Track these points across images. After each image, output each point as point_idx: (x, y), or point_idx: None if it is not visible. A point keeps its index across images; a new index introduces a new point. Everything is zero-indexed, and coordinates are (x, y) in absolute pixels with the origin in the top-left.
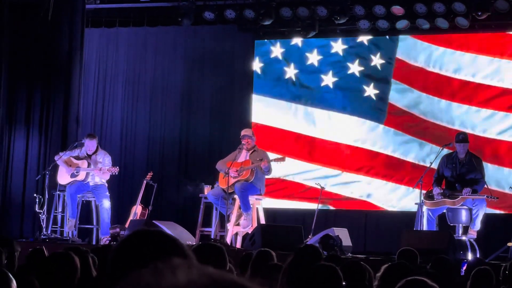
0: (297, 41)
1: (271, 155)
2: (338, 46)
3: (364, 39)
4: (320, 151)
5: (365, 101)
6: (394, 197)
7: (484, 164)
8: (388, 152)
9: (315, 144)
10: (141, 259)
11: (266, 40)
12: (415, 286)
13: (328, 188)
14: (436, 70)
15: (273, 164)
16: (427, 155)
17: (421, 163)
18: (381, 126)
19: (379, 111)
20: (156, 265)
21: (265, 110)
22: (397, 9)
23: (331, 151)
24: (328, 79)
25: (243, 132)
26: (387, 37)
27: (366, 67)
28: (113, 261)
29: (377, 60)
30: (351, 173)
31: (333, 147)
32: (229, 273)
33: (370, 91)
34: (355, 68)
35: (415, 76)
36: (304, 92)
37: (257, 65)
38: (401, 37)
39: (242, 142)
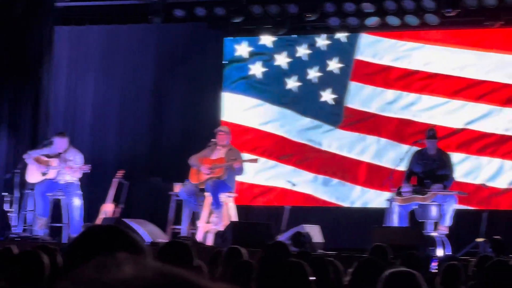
0: (265, 41)
1: (243, 155)
2: (302, 51)
3: (323, 44)
4: (285, 150)
5: (322, 106)
6: (352, 197)
7: (452, 154)
8: (344, 153)
9: (281, 144)
10: (93, 255)
11: (235, 37)
12: (400, 277)
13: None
14: (403, 65)
15: (245, 164)
16: (384, 153)
17: (377, 163)
18: (337, 130)
19: (335, 115)
20: (100, 259)
21: (233, 108)
22: (367, 6)
23: (294, 151)
24: (292, 83)
25: (218, 128)
26: (345, 40)
27: (324, 73)
28: (66, 258)
29: (334, 65)
30: (312, 173)
31: (295, 148)
32: (195, 270)
33: (327, 96)
34: (313, 73)
35: (378, 74)
36: (268, 92)
37: (228, 65)
38: (363, 36)
39: (214, 139)
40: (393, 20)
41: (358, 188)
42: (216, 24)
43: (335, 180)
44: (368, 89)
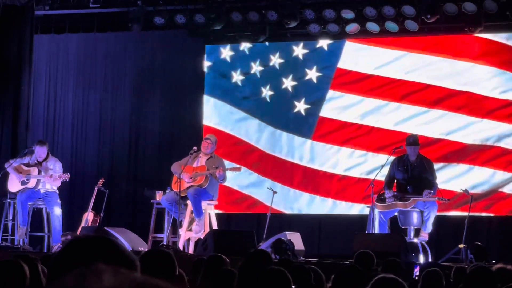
0: (244, 46)
1: (227, 163)
2: (275, 59)
3: (299, 53)
4: (256, 160)
5: (295, 117)
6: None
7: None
8: (316, 166)
9: (253, 153)
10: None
11: (216, 45)
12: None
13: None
14: (384, 73)
15: (228, 172)
16: (359, 164)
17: (351, 175)
18: (309, 141)
19: (308, 126)
20: (81, 270)
21: (215, 114)
22: (347, 13)
23: (266, 162)
24: (266, 91)
25: (206, 136)
26: (326, 48)
27: (300, 82)
28: (52, 269)
29: (312, 73)
30: (282, 185)
31: (266, 159)
32: (177, 278)
33: (301, 106)
34: (288, 82)
35: (360, 82)
36: (246, 100)
37: (208, 71)
38: (345, 44)
39: (202, 146)
40: (373, 27)
41: (329, 201)
42: (197, 32)
43: (307, 194)
44: (347, 98)
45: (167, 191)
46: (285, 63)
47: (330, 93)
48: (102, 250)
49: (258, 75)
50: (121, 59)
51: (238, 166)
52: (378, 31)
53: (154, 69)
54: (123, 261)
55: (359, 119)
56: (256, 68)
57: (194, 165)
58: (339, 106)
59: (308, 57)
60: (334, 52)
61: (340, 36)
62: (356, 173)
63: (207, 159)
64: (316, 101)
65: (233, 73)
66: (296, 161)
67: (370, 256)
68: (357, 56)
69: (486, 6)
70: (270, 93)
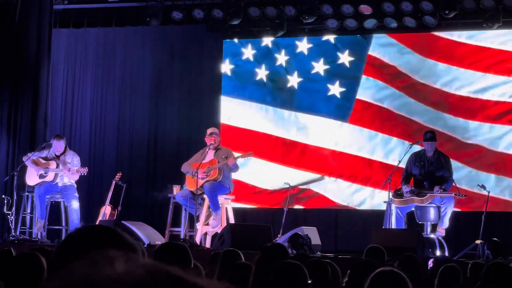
0: (267, 42)
1: (255, 160)
2: (303, 46)
3: (330, 37)
4: (289, 152)
5: (329, 100)
6: (359, 198)
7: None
8: (353, 151)
9: (285, 146)
10: (83, 254)
11: (235, 39)
12: (384, 277)
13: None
14: (411, 75)
15: (241, 160)
16: (392, 151)
17: (388, 161)
18: (346, 124)
19: (344, 109)
20: (92, 256)
21: (235, 112)
22: (365, 8)
23: (299, 153)
24: (294, 80)
25: (210, 130)
26: (358, 35)
27: (332, 66)
28: (55, 258)
29: (345, 58)
30: (317, 174)
31: (301, 149)
32: (193, 271)
33: (335, 89)
34: (319, 67)
35: (389, 73)
36: (273, 93)
37: (227, 67)
38: (375, 35)
39: (209, 142)
40: (391, 22)
41: (368, 190)
42: (214, 27)
43: (341, 180)
44: (379, 85)
45: (184, 187)
46: (314, 47)
47: (364, 78)
48: (105, 239)
49: (284, 64)
50: (140, 53)
51: (248, 152)
52: (396, 27)
53: (172, 63)
54: (126, 249)
55: (391, 107)
56: (281, 59)
57: (205, 160)
58: (373, 90)
59: (339, 41)
60: (367, 40)
61: (357, 32)
62: (395, 158)
63: (215, 152)
64: (352, 84)
65: (257, 69)
66: (332, 147)
67: (381, 251)
68: (389, 49)
69: (505, 2)
70: (299, 80)
